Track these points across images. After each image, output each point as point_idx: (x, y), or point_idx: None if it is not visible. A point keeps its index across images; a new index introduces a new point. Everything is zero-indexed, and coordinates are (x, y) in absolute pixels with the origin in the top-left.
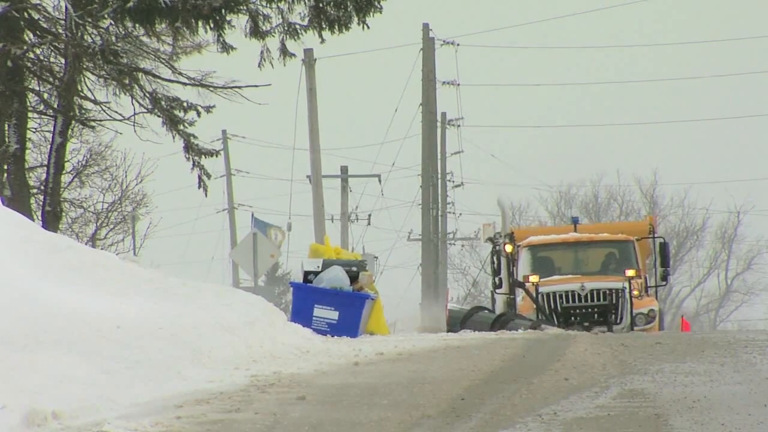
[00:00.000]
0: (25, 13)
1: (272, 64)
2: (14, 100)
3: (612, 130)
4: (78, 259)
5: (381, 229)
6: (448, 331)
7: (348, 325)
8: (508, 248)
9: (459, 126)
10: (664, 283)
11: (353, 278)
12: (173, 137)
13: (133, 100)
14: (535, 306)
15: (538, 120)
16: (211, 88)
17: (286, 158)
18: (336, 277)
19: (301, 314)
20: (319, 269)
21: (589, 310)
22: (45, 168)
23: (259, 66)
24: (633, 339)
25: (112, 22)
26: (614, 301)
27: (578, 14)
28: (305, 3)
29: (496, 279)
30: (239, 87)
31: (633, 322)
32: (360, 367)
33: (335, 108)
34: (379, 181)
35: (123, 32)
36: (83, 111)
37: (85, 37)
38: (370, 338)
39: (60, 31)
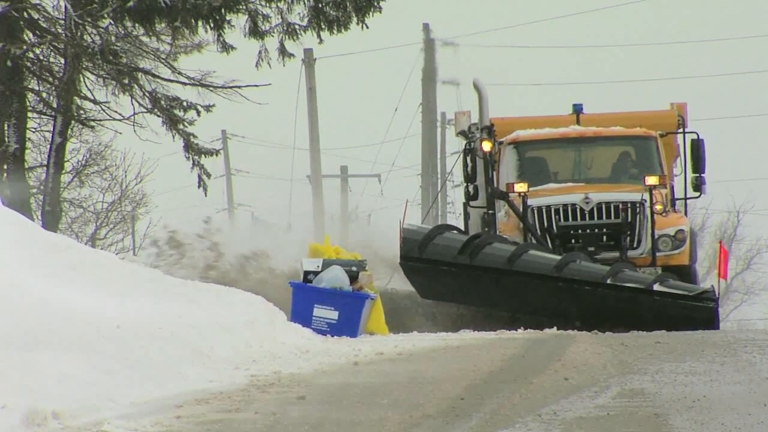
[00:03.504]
0: (25, 13)
1: (270, 65)
2: (14, 100)
3: None
4: (78, 259)
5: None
6: (402, 257)
7: (348, 325)
8: (486, 145)
9: None
10: (697, 194)
11: (353, 278)
12: (173, 137)
13: (133, 100)
14: (521, 224)
15: None
16: (211, 88)
17: (286, 158)
18: (336, 277)
19: (300, 314)
20: (319, 269)
21: (596, 230)
22: (45, 168)
23: (256, 66)
24: (633, 339)
25: (112, 22)
26: (629, 219)
27: (578, 14)
28: (304, 3)
29: (470, 187)
30: (239, 86)
31: (655, 247)
32: (360, 367)
33: (335, 108)
34: (379, 180)
35: (122, 32)
36: (83, 111)
37: (85, 36)
38: (370, 338)
39: (60, 30)
